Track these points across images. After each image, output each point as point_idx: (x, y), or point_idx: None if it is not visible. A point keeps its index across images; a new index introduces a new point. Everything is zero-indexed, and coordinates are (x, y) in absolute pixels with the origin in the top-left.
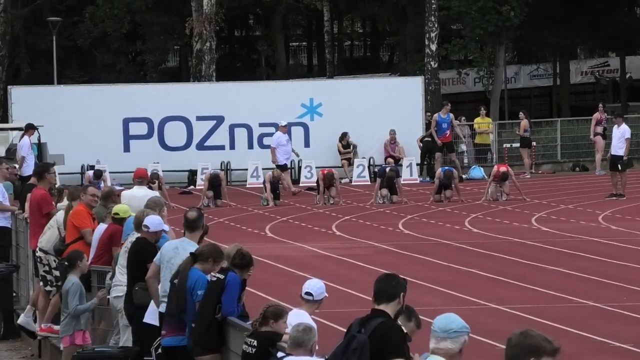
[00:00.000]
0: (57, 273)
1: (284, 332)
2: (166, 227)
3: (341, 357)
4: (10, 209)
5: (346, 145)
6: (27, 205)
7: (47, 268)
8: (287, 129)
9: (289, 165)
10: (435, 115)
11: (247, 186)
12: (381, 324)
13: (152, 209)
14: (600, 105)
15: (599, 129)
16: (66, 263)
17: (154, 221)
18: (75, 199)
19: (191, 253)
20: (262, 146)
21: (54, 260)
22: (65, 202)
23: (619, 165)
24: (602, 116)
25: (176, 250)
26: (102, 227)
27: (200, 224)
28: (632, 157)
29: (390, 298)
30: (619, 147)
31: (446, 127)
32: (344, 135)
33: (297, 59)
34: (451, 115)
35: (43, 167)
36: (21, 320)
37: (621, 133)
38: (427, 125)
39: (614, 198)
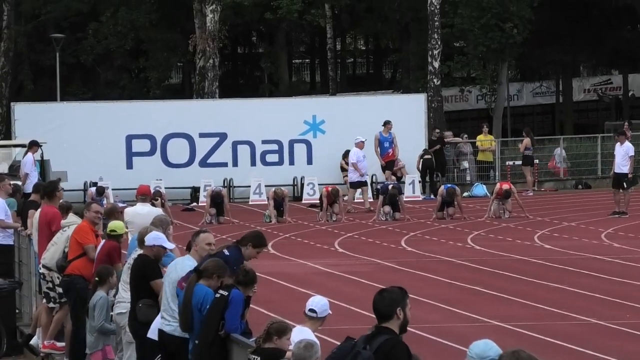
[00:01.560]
0: (60, 290)
1: (287, 349)
2: (170, 245)
3: None
4: (13, 226)
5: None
6: (29, 221)
7: (50, 285)
8: (363, 145)
9: (368, 181)
10: (377, 133)
11: (250, 203)
12: (386, 341)
13: (157, 227)
14: (626, 122)
15: None
16: (97, 278)
17: (150, 236)
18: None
19: (195, 269)
20: (265, 163)
21: (57, 277)
22: (69, 219)
23: (624, 183)
24: (628, 133)
25: (175, 265)
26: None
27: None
28: (636, 175)
29: (388, 317)
30: (622, 164)
31: (388, 145)
32: (347, 153)
33: (300, 76)
34: (393, 133)
35: (53, 186)
36: (33, 341)
37: (625, 151)
38: (431, 143)
39: (617, 216)
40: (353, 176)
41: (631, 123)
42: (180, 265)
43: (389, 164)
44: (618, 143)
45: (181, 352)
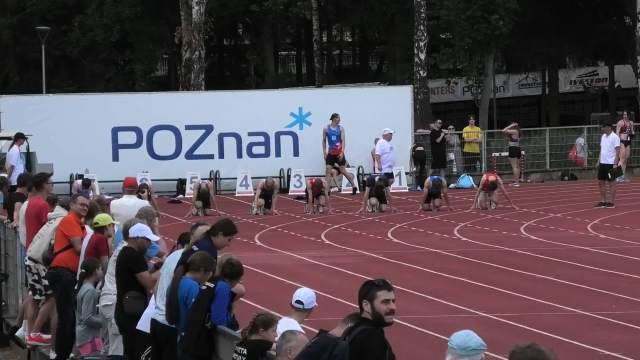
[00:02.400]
0: (46, 282)
1: (273, 341)
2: (155, 237)
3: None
4: None
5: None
6: (15, 214)
7: (36, 277)
8: (391, 137)
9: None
10: (325, 126)
11: (236, 195)
12: (362, 332)
13: (142, 219)
14: (625, 112)
15: (623, 137)
16: (83, 270)
17: (134, 228)
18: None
19: (182, 262)
20: (251, 155)
21: (43, 269)
22: (56, 211)
23: (609, 174)
24: (626, 123)
25: (175, 257)
26: (90, 237)
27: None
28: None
29: (361, 310)
30: (608, 155)
31: (335, 139)
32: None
33: (286, 68)
34: (341, 127)
35: (43, 177)
36: (19, 333)
37: (610, 142)
38: (434, 133)
39: (603, 207)
40: (384, 167)
41: (617, 114)
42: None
43: (331, 158)
44: (604, 134)
45: (171, 344)
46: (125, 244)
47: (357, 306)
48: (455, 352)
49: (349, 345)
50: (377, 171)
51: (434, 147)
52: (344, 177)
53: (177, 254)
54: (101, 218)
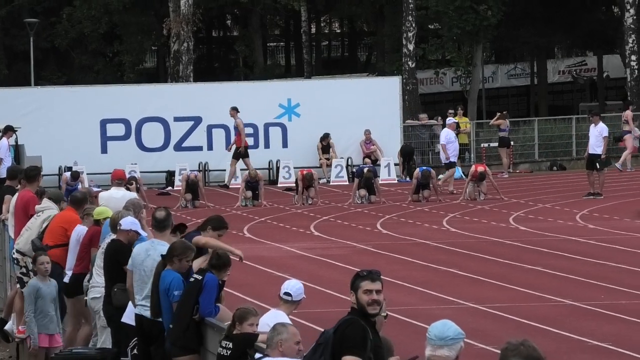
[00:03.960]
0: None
1: (256, 333)
2: (144, 233)
3: (312, 354)
4: None
5: (325, 148)
6: (4, 206)
7: (24, 270)
8: (455, 127)
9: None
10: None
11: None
12: (344, 321)
13: (130, 211)
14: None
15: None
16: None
17: (126, 220)
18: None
19: (162, 255)
20: None
21: (31, 262)
22: (44, 204)
23: (597, 164)
24: (629, 112)
25: (147, 252)
26: (80, 229)
27: (169, 223)
28: (609, 156)
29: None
30: (597, 145)
31: (235, 131)
32: (325, 136)
33: (274, 59)
34: (237, 121)
35: (37, 170)
36: (8, 327)
37: (599, 131)
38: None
39: (592, 197)
40: (444, 157)
41: (606, 104)
42: (153, 251)
43: (236, 150)
44: (592, 124)
45: (159, 337)
46: (112, 236)
47: (347, 298)
48: (434, 343)
49: (333, 334)
50: (444, 160)
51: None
52: (332, 167)
53: (142, 246)
54: (102, 211)
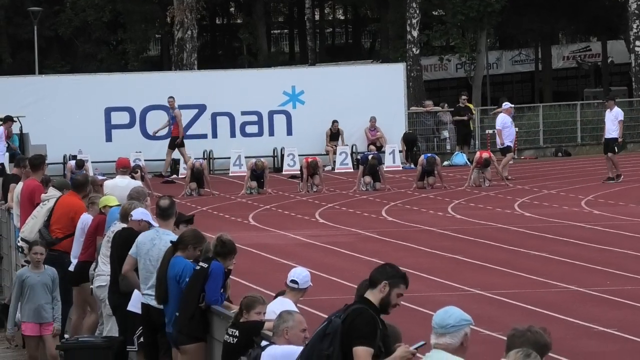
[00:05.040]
0: None
1: (263, 320)
2: (155, 224)
3: (320, 342)
4: None
5: (335, 135)
6: (9, 195)
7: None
8: (511, 111)
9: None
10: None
11: (230, 174)
12: (353, 310)
13: (134, 199)
14: None
15: None
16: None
17: (138, 211)
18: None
19: (172, 242)
20: (245, 134)
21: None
22: (49, 192)
23: (615, 147)
24: None
25: (152, 241)
26: (85, 218)
27: (173, 212)
28: (624, 141)
29: (373, 284)
30: (613, 129)
31: (171, 120)
32: (333, 123)
33: (278, 46)
34: (174, 112)
35: (42, 159)
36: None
37: (614, 115)
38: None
39: (612, 181)
40: (506, 141)
41: (610, 90)
42: (159, 240)
43: (172, 140)
44: (608, 109)
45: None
46: (118, 224)
47: (353, 285)
48: (436, 331)
49: (341, 324)
50: (499, 146)
51: (458, 124)
52: (337, 154)
53: (147, 234)
54: (107, 200)
